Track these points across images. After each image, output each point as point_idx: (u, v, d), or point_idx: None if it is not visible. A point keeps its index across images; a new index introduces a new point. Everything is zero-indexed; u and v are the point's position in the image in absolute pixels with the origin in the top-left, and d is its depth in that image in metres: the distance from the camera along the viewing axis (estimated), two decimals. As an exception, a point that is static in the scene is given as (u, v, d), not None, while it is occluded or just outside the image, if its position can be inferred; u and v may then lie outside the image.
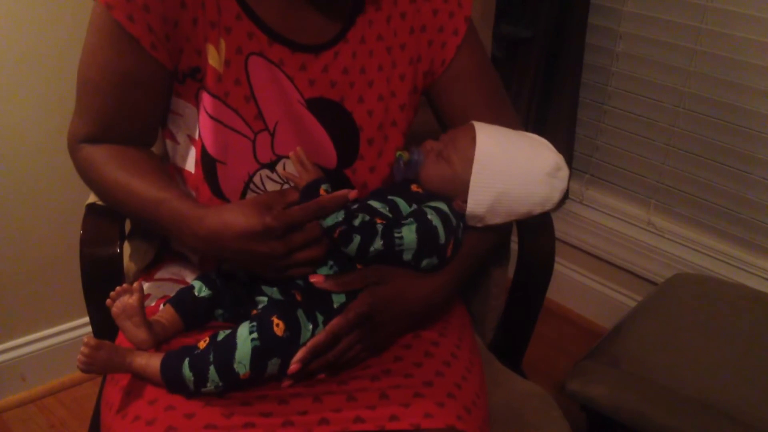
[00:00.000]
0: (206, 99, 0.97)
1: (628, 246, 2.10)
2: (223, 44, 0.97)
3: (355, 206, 0.99)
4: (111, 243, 1.09)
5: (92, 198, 1.13)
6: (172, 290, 1.01)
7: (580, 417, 1.36)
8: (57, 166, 1.64)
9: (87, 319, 1.14)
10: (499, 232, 1.09)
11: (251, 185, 1.01)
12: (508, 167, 1.01)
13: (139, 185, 0.95)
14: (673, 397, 1.27)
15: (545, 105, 2.08)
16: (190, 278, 1.05)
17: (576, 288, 2.25)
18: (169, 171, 1.05)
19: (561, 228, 2.21)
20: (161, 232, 0.96)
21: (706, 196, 1.94)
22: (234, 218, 0.87)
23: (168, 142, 1.05)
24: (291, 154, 0.98)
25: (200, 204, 0.94)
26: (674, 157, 1.98)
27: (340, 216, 0.91)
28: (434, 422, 0.88)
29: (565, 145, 2.07)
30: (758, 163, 1.81)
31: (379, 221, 0.95)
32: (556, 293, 2.26)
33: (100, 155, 0.99)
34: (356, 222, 0.92)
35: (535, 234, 1.23)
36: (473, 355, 1.05)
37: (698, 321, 1.48)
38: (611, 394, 1.29)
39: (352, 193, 0.93)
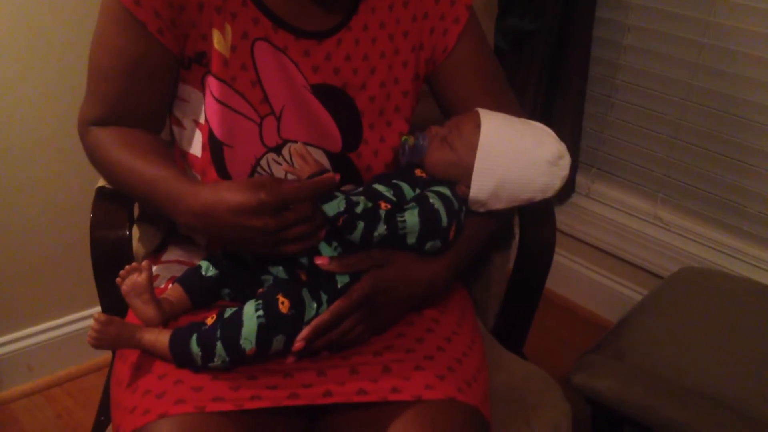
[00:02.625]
0: (213, 83, 0.99)
1: (635, 240, 2.10)
2: (228, 29, 0.98)
3: (360, 189, 1.01)
4: (120, 226, 1.11)
5: (102, 181, 1.15)
6: (179, 272, 1.03)
7: (585, 410, 1.36)
8: (64, 157, 1.65)
9: (93, 310, 1.14)
10: (501, 218, 1.11)
11: (258, 168, 1.02)
12: (511, 154, 1.03)
13: (139, 164, 0.97)
14: (679, 390, 1.27)
15: (552, 98, 2.08)
16: (197, 260, 1.06)
17: (582, 281, 2.25)
18: (175, 155, 1.07)
19: (567, 221, 2.20)
20: (158, 210, 0.97)
21: (713, 190, 1.94)
22: (229, 193, 0.88)
23: (174, 127, 1.07)
24: (292, 148, 0.99)
25: (197, 181, 0.96)
26: (681, 150, 1.97)
27: (342, 205, 0.92)
28: (435, 393, 0.90)
29: (571, 138, 2.07)
30: (766, 156, 1.81)
31: (383, 204, 0.96)
32: (561, 286, 2.26)
33: (106, 137, 1.01)
34: (358, 209, 0.93)
35: (536, 222, 1.24)
36: (474, 334, 1.06)
37: (704, 315, 1.47)
38: (616, 387, 1.29)
39: (337, 176, 0.94)
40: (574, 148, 2.09)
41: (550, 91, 2.07)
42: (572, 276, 2.26)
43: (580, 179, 2.21)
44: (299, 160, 0.97)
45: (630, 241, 2.11)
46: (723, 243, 1.95)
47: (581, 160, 2.19)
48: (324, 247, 0.96)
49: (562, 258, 2.23)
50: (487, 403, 0.97)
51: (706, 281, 1.61)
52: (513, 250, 1.29)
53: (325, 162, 1.06)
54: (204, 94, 1.01)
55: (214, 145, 1.00)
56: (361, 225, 0.93)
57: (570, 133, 2.06)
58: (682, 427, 1.22)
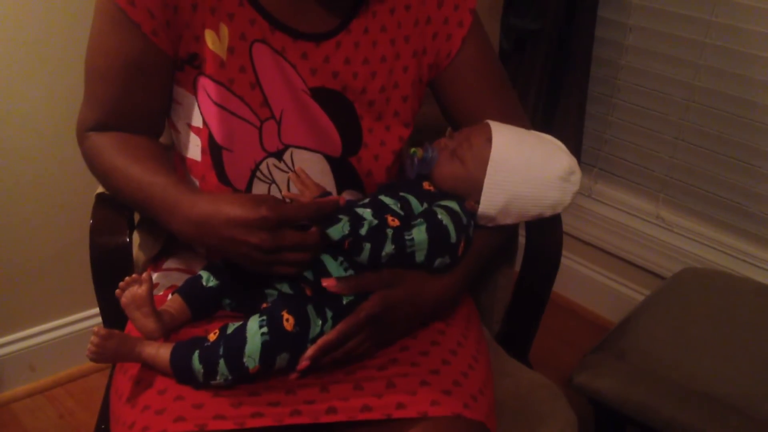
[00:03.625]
0: (210, 86, 0.98)
1: (637, 240, 2.10)
2: (225, 30, 0.97)
3: (366, 200, 0.99)
4: (120, 232, 1.10)
5: (101, 188, 1.14)
6: (180, 280, 1.01)
7: (587, 410, 1.36)
8: (65, 157, 1.64)
9: (96, 310, 1.14)
10: (508, 231, 1.10)
11: (258, 173, 1.01)
12: (523, 169, 1.01)
13: (136, 170, 0.96)
14: (680, 390, 1.27)
15: (554, 98, 2.08)
16: (197, 268, 1.05)
17: (583, 282, 2.24)
18: (174, 160, 1.05)
19: (569, 222, 2.20)
20: (153, 216, 0.96)
21: (716, 191, 1.93)
22: (228, 206, 0.86)
23: (172, 131, 1.06)
24: (291, 174, 0.98)
25: (195, 190, 0.94)
26: (683, 150, 1.97)
27: (345, 228, 0.90)
28: (441, 410, 0.88)
29: (573, 138, 2.06)
30: (768, 157, 1.81)
31: (390, 219, 0.94)
32: (563, 287, 2.26)
33: (103, 142, 1.00)
34: (363, 231, 0.91)
35: (543, 229, 1.22)
36: (479, 344, 1.05)
37: (706, 315, 1.47)
38: (618, 387, 1.29)
39: (342, 200, 0.93)
40: (576, 149, 2.08)
41: (552, 92, 2.07)
42: (574, 276, 2.25)
43: (582, 179, 2.20)
44: (299, 185, 0.96)
45: (632, 242, 2.11)
46: (725, 243, 1.95)
47: (583, 161, 2.18)
48: (329, 262, 0.94)
49: (563, 258, 2.21)
50: (493, 415, 0.96)
51: (708, 281, 1.61)
52: (519, 254, 1.28)
53: (327, 169, 1.04)
54: (196, 97, 0.99)
55: (213, 149, 0.99)
56: (367, 246, 0.91)
57: (572, 133, 2.06)
58: (684, 427, 1.22)
